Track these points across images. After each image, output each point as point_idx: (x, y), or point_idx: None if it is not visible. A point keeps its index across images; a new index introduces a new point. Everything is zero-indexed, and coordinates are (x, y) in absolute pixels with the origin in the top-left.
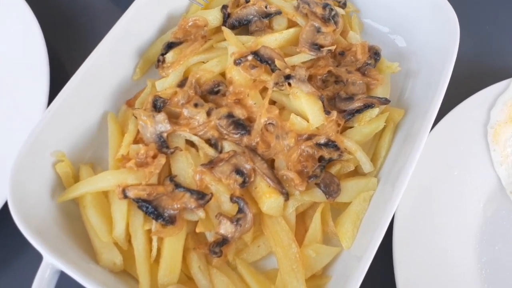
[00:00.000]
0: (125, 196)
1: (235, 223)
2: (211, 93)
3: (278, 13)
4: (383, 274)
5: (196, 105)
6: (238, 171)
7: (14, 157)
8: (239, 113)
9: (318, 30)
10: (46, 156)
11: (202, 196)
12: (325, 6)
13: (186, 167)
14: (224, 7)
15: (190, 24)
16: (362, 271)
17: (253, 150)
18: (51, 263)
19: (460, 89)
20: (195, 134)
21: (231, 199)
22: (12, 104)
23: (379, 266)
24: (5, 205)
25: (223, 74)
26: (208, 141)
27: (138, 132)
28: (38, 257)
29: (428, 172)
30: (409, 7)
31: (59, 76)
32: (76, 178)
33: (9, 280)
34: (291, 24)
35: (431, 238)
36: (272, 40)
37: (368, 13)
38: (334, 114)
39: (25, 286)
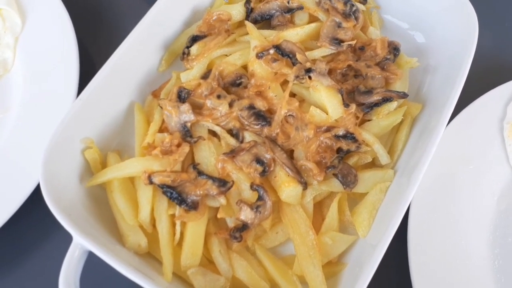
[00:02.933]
0: (151, 182)
1: (255, 210)
2: (233, 85)
3: (300, 8)
4: (397, 261)
5: (219, 97)
6: (259, 161)
7: (46, 143)
8: (260, 104)
9: (339, 25)
10: (76, 142)
11: (223, 183)
12: (346, 2)
13: (208, 156)
14: (247, 1)
15: (214, 18)
16: (377, 259)
17: (273, 140)
18: (80, 244)
19: (477, 84)
20: (218, 124)
21: (251, 187)
22: (45, 93)
23: (393, 254)
24: (37, 188)
25: (245, 67)
26: (229, 131)
27: (163, 121)
28: (66, 239)
29: (444, 165)
30: (428, 3)
31: (86, 67)
32: (104, 165)
33: (39, 260)
34: (312, 19)
35: (445, 229)
36: (293, 35)
37: (388, 9)
38: (353, 107)
39: (54, 266)
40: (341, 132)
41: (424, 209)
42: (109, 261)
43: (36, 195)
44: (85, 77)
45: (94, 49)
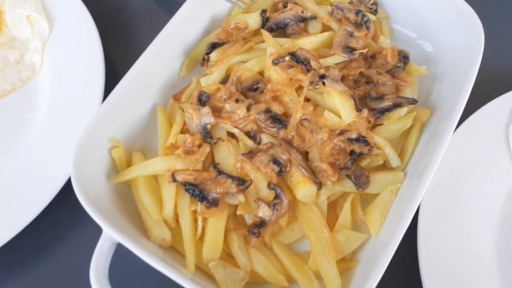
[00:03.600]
0: (174, 180)
1: (272, 207)
2: (251, 90)
3: (314, 17)
4: (407, 259)
5: (237, 101)
6: (275, 161)
7: (76, 141)
8: (276, 108)
9: (351, 34)
10: (103, 142)
11: (242, 182)
12: (357, 12)
13: (228, 156)
14: (264, 11)
15: (232, 26)
16: (388, 256)
17: (289, 142)
18: (109, 235)
19: (483, 92)
20: (236, 127)
21: (268, 186)
22: (71, 96)
23: (403, 252)
24: (65, 185)
25: (261, 73)
26: (247, 133)
27: (184, 123)
28: (94, 232)
29: (452, 169)
30: (436, 14)
31: (109, 73)
32: (129, 163)
33: (70, 251)
34: (326, 28)
35: (453, 229)
36: (307, 43)
37: (398, 20)
38: (365, 112)
39: (84, 257)
40: (353, 135)
41: (433, 210)
42: (137, 252)
43: (64, 192)
44: (107, 83)
45: (116, 56)
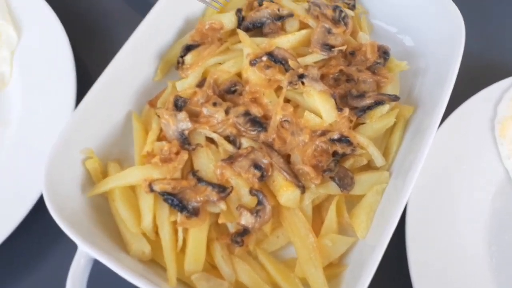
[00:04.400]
0: (152, 190)
1: (255, 214)
2: (229, 93)
3: (290, 15)
4: (397, 261)
5: (214, 104)
6: (256, 166)
7: (47, 154)
8: (256, 111)
9: (329, 31)
10: (76, 153)
11: (223, 189)
12: (335, 8)
13: (207, 162)
14: (239, 10)
15: (206, 27)
16: (376, 259)
17: (269, 146)
18: (85, 252)
19: (467, 86)
20: (215, 131)
21: (250, 192)
22: (43, 105)
23: (392, 254)
24: (40, 199)
25: (239, 75)
26: (227, 138)
27: (161, 130)
28: (71, 248)
29: (439, 166)
30: (415, 7)
31: (83, 79)
32: (104, 174)
33: (45, 269)
34: (303, 25)
35: (442, 227)
36: (285, 41)
37: (377, 14)
38: (346, 111)
39: (59, 274)
40: (335, 135)
41: (421, 209)
42: (114, 268)
43: (38, 207)
44: (82, 89)
45: (89, 60)
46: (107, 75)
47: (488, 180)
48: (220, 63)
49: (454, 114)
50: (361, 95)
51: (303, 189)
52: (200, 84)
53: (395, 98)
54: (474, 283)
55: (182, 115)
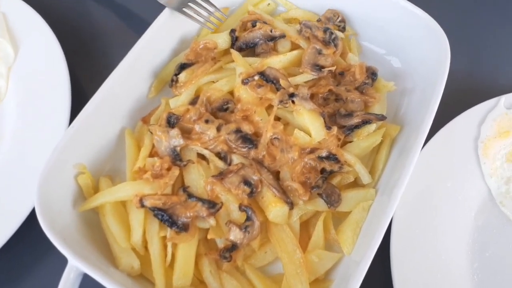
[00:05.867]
0: (142, 205)
1: (243, 230)
2: (221, 110)
3: (282, 36)
4: (382, 276)
5: (207, 121)
6: (246, 182)
7: (41, 169)
8: (247, 128)
9: (319, 52)
10: (69, 168)
11: (213, 205)
12: (325, 30)
13: (198, 179)
14: (232, 31)
15: (201, 46)
16: (361, 274)
17: (259, 162)
18: (75, 266)
19: (453, 106)
20: (206, 148)
21: (239, 208)
22: (38, 121)
23: (378, 269)
24: (32, 213)
25: (231, 93)
26: (218, 155)
27: (153, 146)
28: (61, 262)
29: (423, 183)
30: (403, 30)
31: (77, 96)
32: (96, 189)
33: (35, 283)
34: (294, 46)
35: (426, 244)
36: (277, 62)
37: (366, 36)
38: (335, 129)
39: (49, 287)
40: (324, 153)
41: (406, 226)
42: (103, 283)
43: (30, 221)
44: (76, 105)
45: (84, 78)
46: (102, 92)
47: (471, 198)
48: (213, 82)
49: (439, 133)
50: (349, 114)
51: (291, 205)
52: (193, 102)
53: (382, 118)
54: None
55: (175, 131)
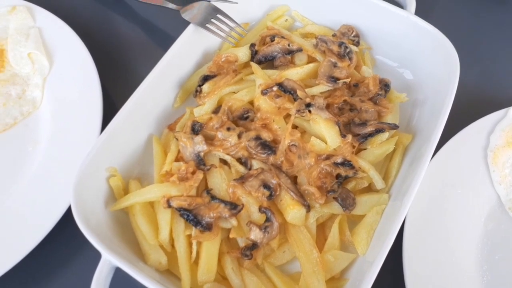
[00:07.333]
0: (169, 206)
1: (263, 230)
2: (241, 119)
3: (300, 50)
4: (394, 276)
5: (228, 129)
6: (266, 186)
7: (76, 171)
8: (266, 136)
9: (335, 65)
10: (101, 171)
11: (234, 206)
12: (340, 44)
13: (220, 182)
14: (252, 45)
15: (223, 59)
16: (374, 273)
17: (278, 167)
18: (108, 260)
19: (463, 116)
20: (228, 154)
21: (259, 209)
22: (71, 128)
23: (390, 269)
24: (66, 212)
25: (251, 103)
26: (239, 160)
27: (178, 151)
28: (93, 258)
29: (435, 190)
30: (415, 44)
31: (107, 105)
32: (126, 191)
33: (70, 275)
34: (311, 59)
35: (437, 246)
36: (294, 74)
37: (379, 50)
38: (349, 137)
39: (83, 280)
40: (339, 159)
41: (417, 229)
42: (135, 276)
43: (65, 219)
44: (106, 113)
45: (113, 88)
46: (132, 101)
47: (480, 204)
48: (234, 92)
49: (450, 142)
50: (363, 123)
51: (308, 208)
52: (216, 111)
53: (395, 127)
54: None
55: (199, 138)
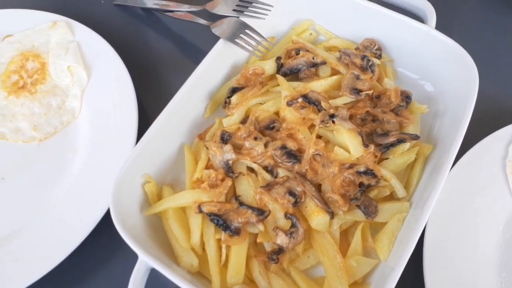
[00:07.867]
0: (200, 211)
1: (289, 235)
2: (268, 129)
3: (324, 63)
4: (414, 280)
5: (255, 139)
6: (291, 193)
7: (114, 177)
8: (291, 145)
9: (358, 77)
10: (137, 178)
11: (261, 212)
12: (363, 57)
13: (248, 189)
14: (278, 58)
15: (250, 72)
16: (395, 278)
17: (303, 176)
18: (144, 261)
19: (482, 127)
20: (255, 162)
21: (285, 215)
22: (108, 137)
23: (411, 276)
24: (104, 216)
25: (277, 113)
26: (265, 168)
27: (208, 160)
28: (129, 258)
29: (454, 198)
30: (435, 57)
31: (141, 115)
32: (160, 196)
33: (108, 275)
34: (334, 72)
35: (456, 254)
36: (318, 85)
37: (401, 63)
38: (372, 147)
39: (121, 279)
40: (362, 168)
41: (437, 236)
42: (169, 277)
43: (103, 223)
44: (140, 124)
45: (147, 100)
46: (166, 112)
47: (499, 213)
48: (261, 103)
49: (469, 152)
50: (385, 134)
51: (332, 215)
52: (244, 121)
53: (416, 137)
54: None
55: (227, 147)
